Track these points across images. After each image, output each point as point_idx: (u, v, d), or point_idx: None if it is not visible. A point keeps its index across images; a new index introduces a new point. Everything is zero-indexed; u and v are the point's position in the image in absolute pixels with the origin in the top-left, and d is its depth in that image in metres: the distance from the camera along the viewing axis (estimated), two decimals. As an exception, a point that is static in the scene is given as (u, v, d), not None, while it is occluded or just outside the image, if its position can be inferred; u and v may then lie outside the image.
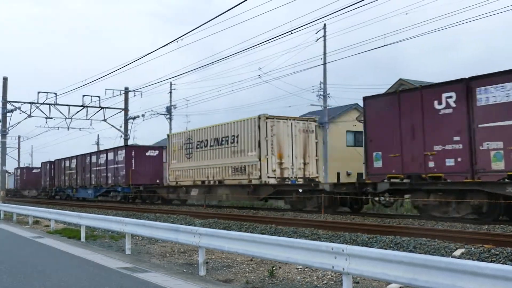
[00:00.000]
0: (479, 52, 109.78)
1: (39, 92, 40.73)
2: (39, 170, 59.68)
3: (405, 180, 17.15)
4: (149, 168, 35.81)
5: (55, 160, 50.53)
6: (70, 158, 45.89)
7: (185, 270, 9.45)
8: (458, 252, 9.42)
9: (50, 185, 51.82)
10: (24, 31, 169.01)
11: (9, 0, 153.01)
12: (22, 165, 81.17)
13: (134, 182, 34.58)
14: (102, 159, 38.93)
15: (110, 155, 37.62)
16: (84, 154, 42.82)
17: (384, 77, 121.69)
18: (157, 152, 36.90)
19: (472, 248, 9.49)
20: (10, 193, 69.91)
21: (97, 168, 39.56)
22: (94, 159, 40.52)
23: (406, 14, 27.58)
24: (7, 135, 43.51)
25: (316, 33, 33.29)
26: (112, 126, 45.68)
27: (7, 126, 42.42)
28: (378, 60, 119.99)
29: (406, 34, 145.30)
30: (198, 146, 28.15)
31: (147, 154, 36.22)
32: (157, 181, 36.03)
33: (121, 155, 35.85)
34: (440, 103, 15.98)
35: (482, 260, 8.65)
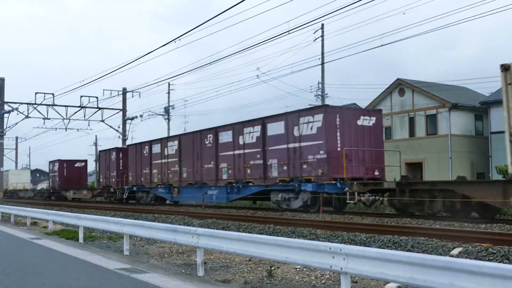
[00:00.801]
0: (478, 51, 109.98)
1: (36, 93, 40.84)
2: (83, 164, 50.21)
3: None
4: (364, 147, 20.72)
5: (128, 145, 37.58)
6: (164, 140, 31.51)
7: (183, 271, 9.45)
8: (455, 251, 9.43)
9: (119, 182, 36.69)
10: (24, 31, 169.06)
11: (9, 0, 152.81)
12: (19, 166, 79.71)
13: (350, 173, 19.82)
14: (250, 136, 23.54)
15: (274, 127, 22.30)
16: (200, 131, 27.69)
17: (383, 77, 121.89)
18: (373, 119, 21.27)
19: (470, 247, 9.50)
20: (38, 194, 58.48)
21: (237, 152, 24.37)
22: (225, 137, 25.21)
23: (404, 14, 27.59)
24: (4, 136, 43.49)
25: (314, 33, 33.40)
26: (110, 126, 45.71)
27: (5, 127, 42.39)
28: (376, 60, 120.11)
29: (403, 34, 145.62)
30: None
31: (360, 122, 20.85)
32: (376, 172, 20.75)
33: (312, 124, 20.48)
34: None
35: (480, 259, 8.66)
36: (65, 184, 48.11)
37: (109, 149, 40.08)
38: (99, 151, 42.64)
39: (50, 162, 53.21)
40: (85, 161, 50.60)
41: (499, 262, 8.46)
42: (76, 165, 49.71)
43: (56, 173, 50.06)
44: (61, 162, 50.05)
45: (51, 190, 51.61)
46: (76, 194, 46.92)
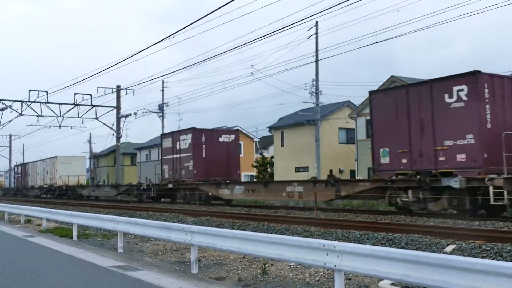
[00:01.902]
0: (472, 49, 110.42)
1: (30, 90, 40.54)
2: (232, 137, 28.96)
3: None
4: None
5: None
6: None
7: (177, 268, 9.44)
8: (449, 248, 9.47)
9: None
10: (21, 31, 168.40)
11: (8, 0, 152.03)
12: (13, 164, 76.37)
13: None
14: None
15: None
16: None
17: (378, 74, 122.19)
18: None
19: (463, 244, 9.54)
20: (128, 193, 32.63)
21: None
22: None
23: (398, 11, 27.61)
24: (-2, 134, 43.15)
25: (308, 30, 33.32)
26: (104, 124, 45.41)
27: (-2, 125, 42.14)
28: (370, 57, 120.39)
29: (398, 31, 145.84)
30: None
31: None
32: None
33: None
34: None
35: (473, 256, 8.69)
36: (206, 173, 26.66)
37: (388, 90, 21.39)
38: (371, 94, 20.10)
39: (163, 135, 32.03)
40: (236, 132, 30.84)
41: (493, 259, 8.50)
42: (221, 139, 28.29)
43: (186, 154, 27.68)
44: (196, 132, 27.95)
45: (170, 185, 28.59)
46: (254, 193, 22.82)
